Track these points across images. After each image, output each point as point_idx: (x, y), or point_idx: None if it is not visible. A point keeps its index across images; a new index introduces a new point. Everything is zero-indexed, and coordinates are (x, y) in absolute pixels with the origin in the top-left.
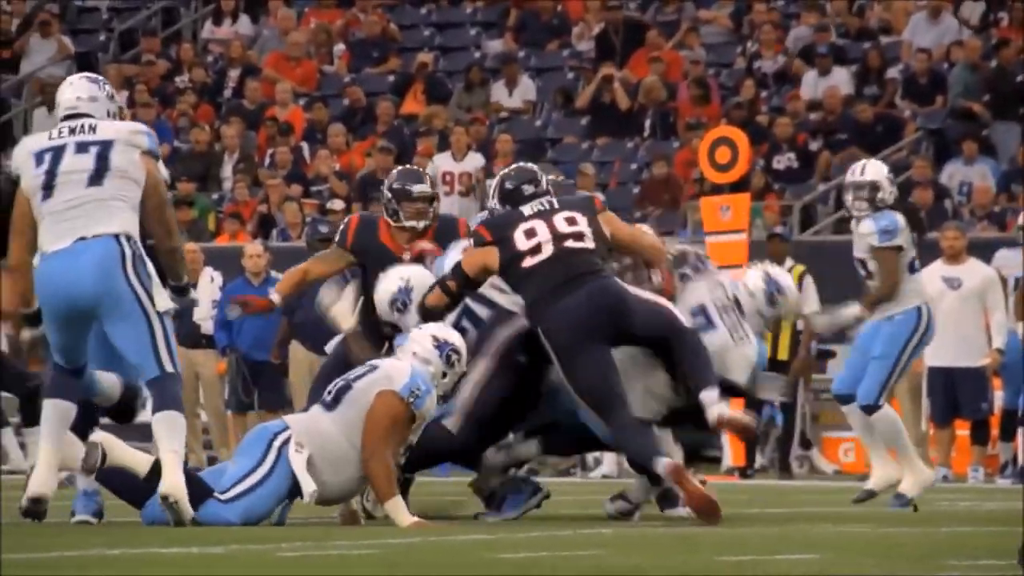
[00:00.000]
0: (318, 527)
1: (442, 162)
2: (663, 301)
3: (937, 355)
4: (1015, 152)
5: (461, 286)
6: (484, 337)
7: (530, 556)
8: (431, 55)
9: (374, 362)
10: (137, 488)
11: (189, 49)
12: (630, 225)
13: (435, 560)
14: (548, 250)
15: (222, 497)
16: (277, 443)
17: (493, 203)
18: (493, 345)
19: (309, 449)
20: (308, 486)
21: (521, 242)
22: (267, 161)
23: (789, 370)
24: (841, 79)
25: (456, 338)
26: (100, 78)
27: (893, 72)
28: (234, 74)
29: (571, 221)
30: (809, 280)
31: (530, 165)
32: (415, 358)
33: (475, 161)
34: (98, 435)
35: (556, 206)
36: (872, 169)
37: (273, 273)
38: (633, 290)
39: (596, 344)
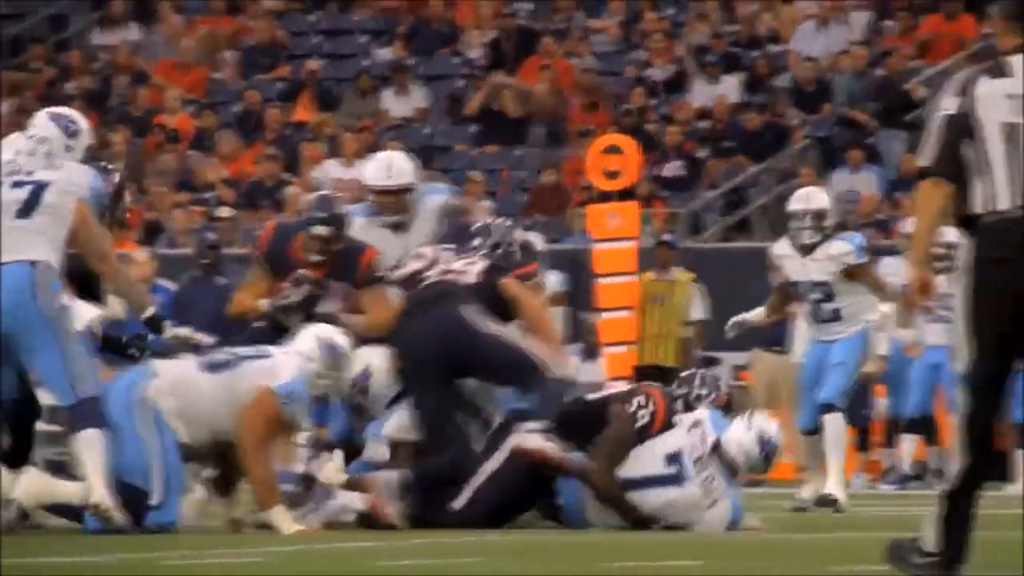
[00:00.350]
0: (202, 535)
1: (332, 169)
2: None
3: None
4: (900, 160)
5: None
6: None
7: (412, 563)
8: (320, 62)
9: (268, 349)
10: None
11: (77, 56)
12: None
13: (318, 568)
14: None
15: (153, 503)
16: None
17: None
18: (512, 442)
19: (174, 401)
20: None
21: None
22: (155, 168)
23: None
24: (730, 87)
25: (341, 340)
26: (53, 119)
27: (781, 80)
28: (122, 81)
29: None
30: (697, 288)
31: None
32: (300, 356)
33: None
34: (25, 479)
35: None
36: (818, 198)
37: (159, 281)
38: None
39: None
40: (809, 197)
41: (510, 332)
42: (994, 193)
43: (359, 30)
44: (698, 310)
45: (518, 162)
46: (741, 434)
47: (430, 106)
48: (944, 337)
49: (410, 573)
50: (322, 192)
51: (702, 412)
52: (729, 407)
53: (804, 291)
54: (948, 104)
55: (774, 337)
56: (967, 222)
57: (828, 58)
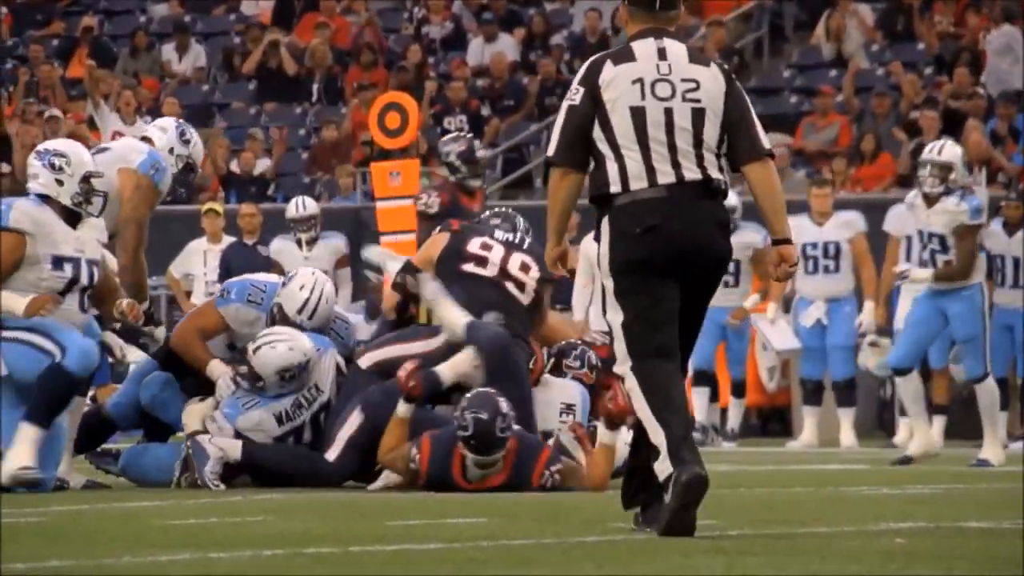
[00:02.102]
0: None
1: (113, 123)
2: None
3: (602, 320)
4: None
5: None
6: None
7: (199, 523)
8: (96, 19)
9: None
10: None
11: None
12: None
13: (102, 527)
14: (489, 271)
15: None
16: None
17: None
18: (365, 398)
19: None
20: None
21: (472, 245)
22: None
23: None
24: (507, 45)
25: (54, 145)
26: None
27: (558, 39)
28: None
29: (524, 268)
30: None
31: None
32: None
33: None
34: None
35: (523, 245)
36: (949, 151)
37: None
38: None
39: None
40: (937, 149)
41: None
42: (626, 175)
43: None
44: None
45: (298, 120)
46: None
47: (209, 63)
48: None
49: (197, 532)
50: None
51: (576, 395)
52: (594, 387)
53: (923, 240)
54: (574, 93)
55: (557, 295)
56: (602, 201)
57: (607, 14)
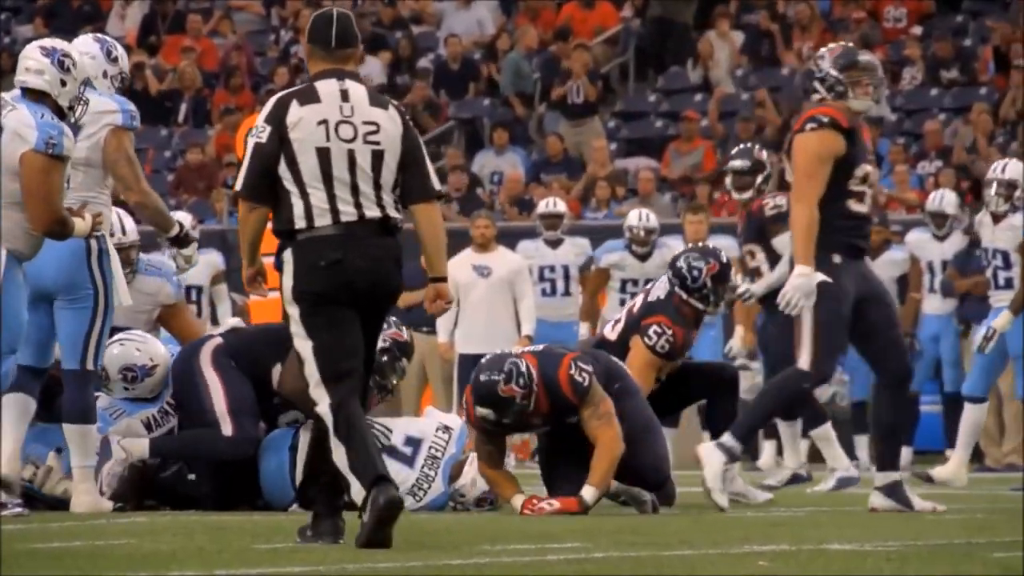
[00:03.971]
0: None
1: None
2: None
3: (468, 342)
4: (545, 142)
5: None
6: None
7: (63, 546)
8: None
9: None
10: None
11: None
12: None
13: None
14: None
15: None
16: None
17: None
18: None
19: None
20: None
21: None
22: None
23: None
24: (374, 69)
25: (62, 45)
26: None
27: (425, 62)
28: None
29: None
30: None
31: None
32: (30, 98)
33: None
34: None
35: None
36: (1012, 168)
37: None
38: None
39: None
40: (1001, 168)
41: None
42: (311, 212)
43: None
44: None
45: (163, 142)
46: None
47: None
48: None
49: (52, 555)
50: None
51: (454, 421)
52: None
53: (988, 257)
54: (261, 131)
55: (422, 317)
56: (286, 235)
57: (471, 38)
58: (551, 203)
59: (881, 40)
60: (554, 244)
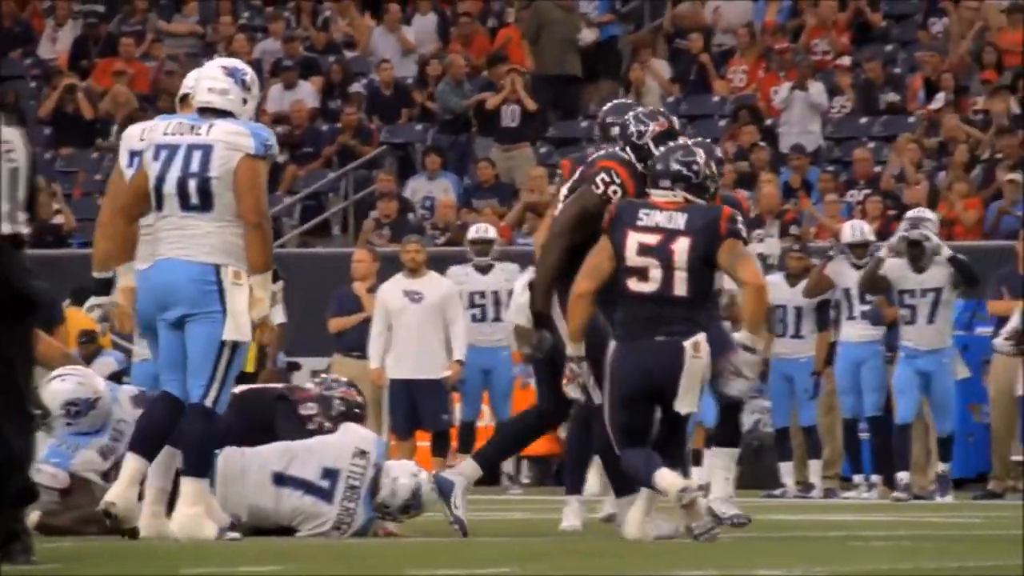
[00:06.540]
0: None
1: None
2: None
3: (398, 367)
4: (476, 167)
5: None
6: None
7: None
8: None
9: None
10: None
11: None
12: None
13: None
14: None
15: None
16: None
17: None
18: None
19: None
20: None
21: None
22: None
23: (256, 381)
24: (307, 93)
25: (240, 64)
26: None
27: (357, 87)
28: None
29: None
30: (280, 292)
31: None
32: (210, 117)
33: None
34: None
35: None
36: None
37: None
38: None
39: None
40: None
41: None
42: None
43: None
44: (278, 314)
45: (94, 165)
46: (402, 478)
47: None
48: None
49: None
50: None
51: (370, 443)
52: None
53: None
54: None
55: (354, 342)
56: None
57: (404, 64)
58: (481, 229)
59: (812, 71)
60: (484, 270)
